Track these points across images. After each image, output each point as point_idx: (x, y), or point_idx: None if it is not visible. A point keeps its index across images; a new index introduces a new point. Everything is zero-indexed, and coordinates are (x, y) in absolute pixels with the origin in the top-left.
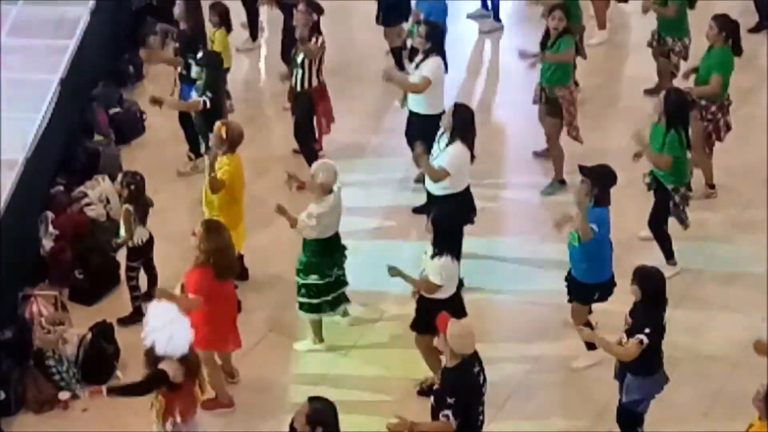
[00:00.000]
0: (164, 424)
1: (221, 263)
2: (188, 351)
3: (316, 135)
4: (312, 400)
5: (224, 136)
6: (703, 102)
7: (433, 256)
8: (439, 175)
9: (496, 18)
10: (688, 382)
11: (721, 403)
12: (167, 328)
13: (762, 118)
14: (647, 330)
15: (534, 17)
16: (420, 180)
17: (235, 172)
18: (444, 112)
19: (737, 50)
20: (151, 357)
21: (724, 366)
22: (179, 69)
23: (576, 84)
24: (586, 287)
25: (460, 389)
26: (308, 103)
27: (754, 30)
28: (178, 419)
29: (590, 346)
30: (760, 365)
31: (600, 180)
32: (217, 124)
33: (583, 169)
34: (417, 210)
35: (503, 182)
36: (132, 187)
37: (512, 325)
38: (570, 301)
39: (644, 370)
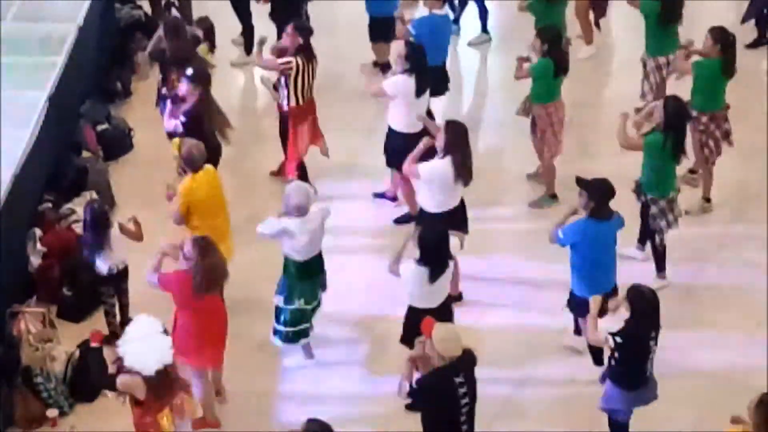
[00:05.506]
0: None
1: (205, 279)
2: (161, 373)
3: (295, 155)
4: (309, 422)
5: (175, 152)
6: (694, 113)
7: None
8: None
9: (484, 30)
10: (675, 398)
11: (708, 420)
12: (141, 342)
13: (760, 134)
14: (618, 339)
15: (522, 30)
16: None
17: (198, 191)
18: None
19: (727, 67)
20: (120, 365)
21: (712, 383)
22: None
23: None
24: (576, 299)
25: (427, 390)
26: (284, 121)
27: (752, 45)
28: None
29: (597, 361)
30: (748, 383)
31: (597, 193)
32: (174, 140)
33: (580, 182)
34: (398, 220)
35: (492, 200)
36: (88, 211)
37: (502, 343)
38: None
39: (617, 380)
